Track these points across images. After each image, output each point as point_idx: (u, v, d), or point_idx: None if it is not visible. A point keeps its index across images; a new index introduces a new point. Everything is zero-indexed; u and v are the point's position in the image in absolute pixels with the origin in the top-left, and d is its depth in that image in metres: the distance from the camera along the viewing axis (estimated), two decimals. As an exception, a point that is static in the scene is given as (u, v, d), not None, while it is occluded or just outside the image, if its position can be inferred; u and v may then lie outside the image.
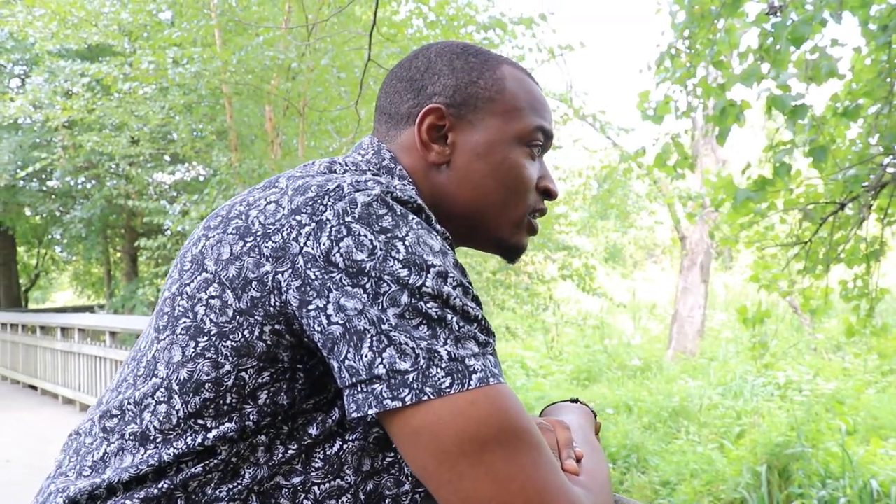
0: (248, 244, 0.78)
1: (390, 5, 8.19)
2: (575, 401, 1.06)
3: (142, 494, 0.80)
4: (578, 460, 0.87)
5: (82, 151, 10.43)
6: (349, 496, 0.84)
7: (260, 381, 0.79)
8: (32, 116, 9.01)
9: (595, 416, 1.05)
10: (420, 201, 0.82)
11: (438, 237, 0.80)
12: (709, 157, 11.97)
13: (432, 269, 0.75)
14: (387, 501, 0.87)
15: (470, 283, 0.80)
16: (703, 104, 4.53)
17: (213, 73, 7.39)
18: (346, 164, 0.94)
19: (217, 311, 0.78)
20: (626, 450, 7.03)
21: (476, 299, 0.79)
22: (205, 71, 7.23)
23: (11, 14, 8.17)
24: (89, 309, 17.83)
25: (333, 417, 0.82)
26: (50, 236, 19.33)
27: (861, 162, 4.32)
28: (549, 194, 1.04)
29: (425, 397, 0.70)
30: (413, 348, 0.71)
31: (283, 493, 0.82)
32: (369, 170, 0.95)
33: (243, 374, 0.78)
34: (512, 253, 1.05)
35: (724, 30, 4.19)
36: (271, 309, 0.76)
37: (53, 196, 16.59)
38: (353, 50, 7.47)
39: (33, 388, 10.39)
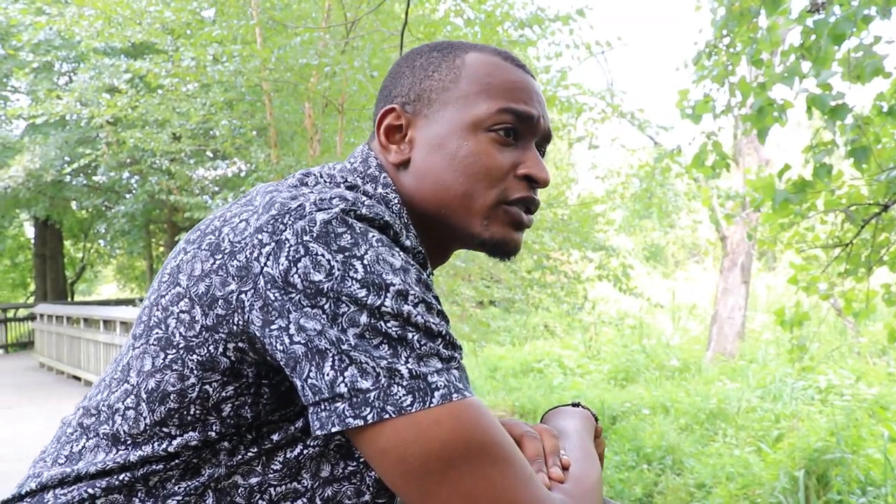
0: (217, 262, 0.79)
1: (429, 1, 8.20)
2: (577, 405, 1.04)
3: (104, 483, 0.82)
4: (566, 468, 0.86)
5: (125, 147, 10.62)
6: (305, 500, 0.84)
7: (224, 394, 0.80)
8: (79, 113, 9.19)
9: (596, 419, 1.03)
10: (387, 217, 0.81)
11: (401, 254, 0.79)
12: (751, 157, 11.77)
13: (391, 288, 0.74)
14: None
15: (435, 298, 0.79)
16: (739, 104, 4.44)
17: (252, 71, 7.47)
18: (320, 176, 0.92)
19: (186, 325, 0.80)
20: (661, 451, 6.95)
21: (441, 314, 0.78)
22: (243, 69, 7.32)
23: (60, 13, 8.36)
24: (131, 302, 18.18)
25: (297, 425, 0.82)
26: (95, 230, 19.75)
27: (905, 163, 4.21)
28: (532, 181, 0.96)
29: (387, 416, 0.71)
30: (374, 367, 0.71)
31: (239, 491, 0.83)
32: (346, 180, 0.92)
33: (207, 387, 0.80)
34: (496, 249, 0.97)
35: (767, 28, 4.12)
36: (234, 327, 0.77)
37: (98, 191, 16.97)
38: (392, 48, 7.50)
39: (77, 378, 10.62)
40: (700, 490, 6.12)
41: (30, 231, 22.26)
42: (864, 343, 10.56)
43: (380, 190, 0.94)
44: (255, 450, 0.82)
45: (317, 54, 7.00)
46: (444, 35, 7.55)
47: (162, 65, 7.72)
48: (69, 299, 21.06)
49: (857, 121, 3.87)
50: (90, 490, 0.82)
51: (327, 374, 0.72)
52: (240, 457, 0.82)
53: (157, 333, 0.82)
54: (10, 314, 17.41)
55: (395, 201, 0.94)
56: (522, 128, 0.96)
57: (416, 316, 0.74)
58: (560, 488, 0.82)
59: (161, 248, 20.18)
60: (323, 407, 0.73)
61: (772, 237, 5.31)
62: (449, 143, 0.93)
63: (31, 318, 15.88)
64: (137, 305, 15.35)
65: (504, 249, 0.97)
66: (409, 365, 0.72)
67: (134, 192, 15.88)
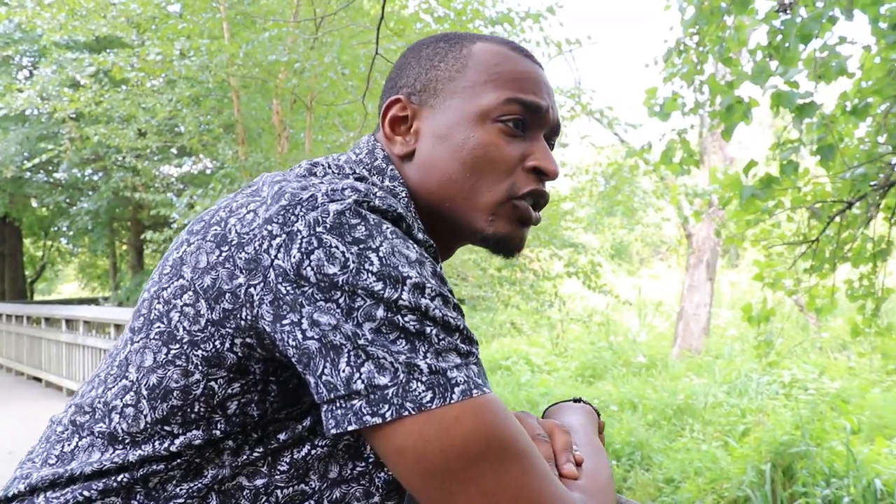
0: (224, 254, 0.76)
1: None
2: (578, 400, 1.03)
3: (101, 485, 0.79)
4: (579, 464, 0.85)
5: (89, 143, 10.45)
6: (312, 502, 0.82)
7: (229, 391, 0.77)
8: (40, 108, 9.02)
9: (598, 414, 1.02)
10: (400, 209, 0.78)
11: (415, 246, 0.77)
12: (716, 155, 11.92)
13: (408, 281, 0.72)
14: None
15: (451, 292, 0.77)
16: (709, 101, 4.50)
17: (219, 67, 7.39)
18: (329, 167, 0.90)
19: (190, 319, 0.77)
20: (630, 447, 7.02)
21: (457, 308, 0.77)
22: (210, 64, 7.24)
23: (20, 4, 8.18)
24: (94, 301, 17.88)
25: (305, 424, 0.80)
26: (56, 228, 19.42)
27: (869, 161, 4.30)
28: (542, 174, 0.93)
29: (406, 413, 0.68)
30: (392, 363, 0.69)
31: (244, 493, 0.80)
32: (354, 171, 0.90)
33: (212, 383, 0.77)
34: (499, 245, 0.94)
35: (734, 27, 4.17)
36: (243, 322, 0.75)
37: (60, 188, 16.69)
38: (361, 44, 7.47)
39: (38, 379, 10.40)
40: (669, 485, 6.19)
41: (-12, 229, 21.81)
42: (826, 338, 10.77)
43: (387, 182, 0.91)
44: (261, 450, 0.79)
45: (286, 50, 6.95)
46: (415, 32, 7.54)
47: (127, 59, 7.60)
48: (28, 298, 20.68)
49: (824, 119, 3.94)
50: (85, 493, 0.78)
51: (343, 371, 0.69)
52: (245, 457, 0.79)
53: (158, 327, 0.79)
54: (-32, 314, 17.03)
55: (403, 194, 0.91)
56: (531, 119, 0.93)
57: (433, 310, 0.72)
58: (575, 485, 0.81)
59: (124, 247, 19.89)
60: (338, 404, 0.70)
61: (739, 234, 5.38)
62: (455, 135, 0.91)
63: (-10, 317, 15.55)
64: (101, 304, 15.12)
65: (508, 246, 0.94)
66: (427, 360, 0.70)
67: (97, 189, 15.64)
